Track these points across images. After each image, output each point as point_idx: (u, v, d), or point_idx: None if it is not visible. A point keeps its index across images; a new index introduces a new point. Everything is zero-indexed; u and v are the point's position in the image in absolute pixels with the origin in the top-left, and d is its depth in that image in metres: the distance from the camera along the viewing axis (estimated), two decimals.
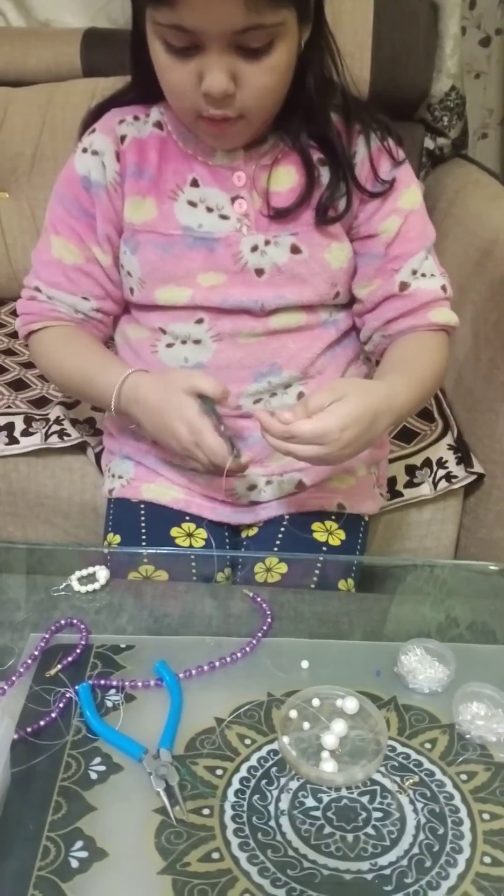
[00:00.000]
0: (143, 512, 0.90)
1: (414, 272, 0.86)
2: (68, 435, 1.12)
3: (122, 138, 0.84)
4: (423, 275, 0.86)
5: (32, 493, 1.16)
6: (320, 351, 0.87)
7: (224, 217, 0.82)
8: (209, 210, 0.82)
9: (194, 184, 0.83)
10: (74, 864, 0.51)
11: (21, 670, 0.64)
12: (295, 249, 0.83)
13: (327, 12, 0.77)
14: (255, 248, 0.83)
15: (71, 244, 0.86)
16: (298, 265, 0.83)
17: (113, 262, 0.87)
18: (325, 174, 0.83)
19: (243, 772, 0.57)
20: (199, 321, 0.85)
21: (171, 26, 0.69)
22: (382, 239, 0.85)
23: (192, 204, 0.83)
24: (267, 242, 0.83)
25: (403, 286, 0.85)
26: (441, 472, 1.12)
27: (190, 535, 0.88)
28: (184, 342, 0.86)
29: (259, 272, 0.83)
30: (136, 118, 0.85)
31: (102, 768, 0.57)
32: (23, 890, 0.49)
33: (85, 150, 0.85)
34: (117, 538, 0.90)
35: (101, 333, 0.92)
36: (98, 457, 1.11)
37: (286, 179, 0.83)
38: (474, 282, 1.16)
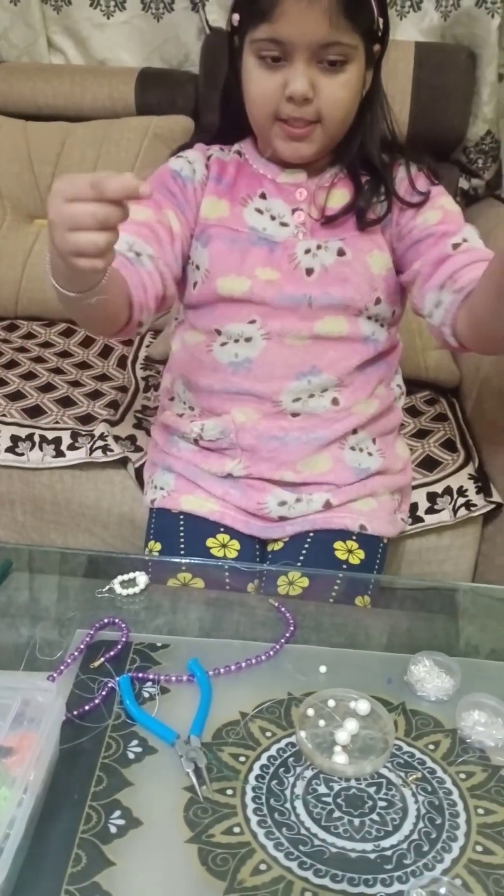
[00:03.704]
0: (182, 522, 0.98)
1: (465, 239, 0.90)
2: (111, 450, 1.20)
3: (209, 157, 0.99)
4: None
5: (75, 503, 1.24)
6: (357, 363, 0.96)
7: (284, 224, 0.95)
8: (272, 218, 0.95)
9: (262, 196, 0.96)
10: (113, 829, 0.58)
11: (69, 661, 0.71)
12: (341, 252, 0.94)
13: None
14: (308, 251, 0.94)
15: (146, 207, 0.90)
16: (343, 266, 0.94)
17: (181, 230, 0.93)
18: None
19: (263, 760, 0.64)
20: (252, 321, 0.94)
21: (266, 40, 0.84)
22: (425, 226, 0.92)
23: (259, 211, 0.96)
24: (319, 247, 0.94)
25: (456, 246, 0.89)
26: (461, 500, 1.17)
27: (224, 545, 0.96)
28: (236, 340, 0.96)
29: (309, 272, 0.93)
30: (221, 149, 0.99)
31: (139, 750, 0.64)
32: (68, 849, 0.56)
33: (179, 156, 0.98)
34: (158, 546, 0.97)
35: (143, 282, 0.86)
36: (138, 472, 1.18)
37: (340, 200, 0.95)
38: None
